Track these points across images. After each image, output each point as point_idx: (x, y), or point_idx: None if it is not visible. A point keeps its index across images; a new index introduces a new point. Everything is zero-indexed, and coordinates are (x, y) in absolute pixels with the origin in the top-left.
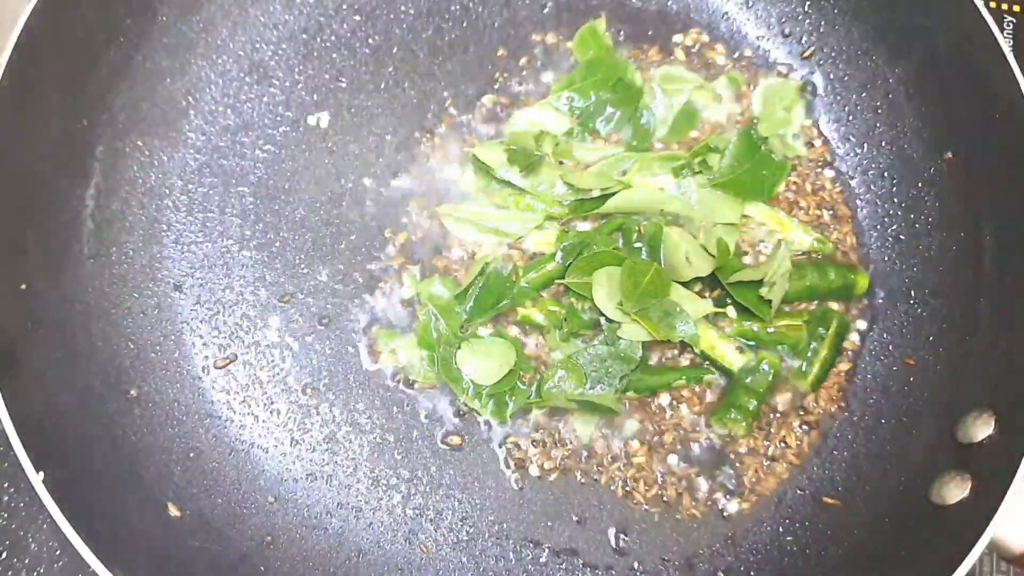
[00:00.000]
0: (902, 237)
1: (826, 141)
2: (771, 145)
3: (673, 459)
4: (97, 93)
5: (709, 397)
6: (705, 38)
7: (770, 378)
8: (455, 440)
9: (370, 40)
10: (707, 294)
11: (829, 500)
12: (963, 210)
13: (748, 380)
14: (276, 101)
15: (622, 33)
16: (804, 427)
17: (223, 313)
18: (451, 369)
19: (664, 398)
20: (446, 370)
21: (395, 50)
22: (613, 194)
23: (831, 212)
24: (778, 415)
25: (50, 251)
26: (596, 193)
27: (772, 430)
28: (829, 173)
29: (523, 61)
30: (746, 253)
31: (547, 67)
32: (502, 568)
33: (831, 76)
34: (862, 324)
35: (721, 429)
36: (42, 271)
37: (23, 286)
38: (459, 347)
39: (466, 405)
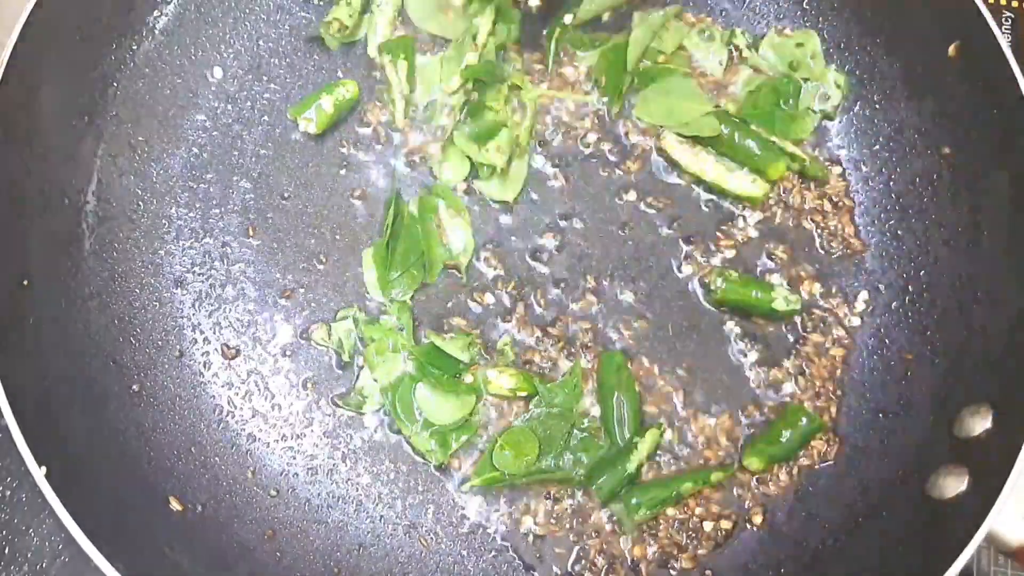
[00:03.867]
0: (899, 232)
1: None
2: (803, 99)
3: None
4: (98, 90)
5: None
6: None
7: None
8: None
9: None
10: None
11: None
12: (961, 206)
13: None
14: (276, 98)
15: None
16: (823, 463)
17: (224, 309)
18: (408, 405)
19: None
20: (403, 405)
21: None
22: None
23: (832, 202)
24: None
25: (52, 247)
26: None
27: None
28: (836, 169)
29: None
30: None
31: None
32: (501, 561)
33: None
34: (859, 320)
35: (752, 462)
36: (44, 267)
37: (25, 282)
38: (419, 381)
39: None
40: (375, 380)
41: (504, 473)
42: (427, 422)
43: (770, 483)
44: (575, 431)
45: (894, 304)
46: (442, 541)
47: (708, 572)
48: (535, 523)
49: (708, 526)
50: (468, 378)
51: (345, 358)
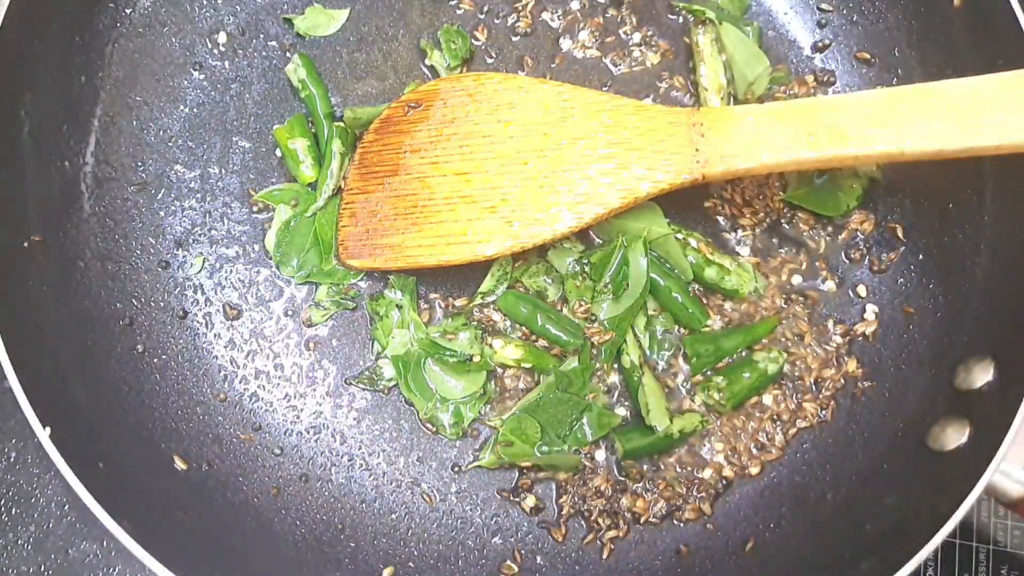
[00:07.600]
0: (902, 186)
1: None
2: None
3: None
4: (95, 50)
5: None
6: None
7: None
8: None
9: None
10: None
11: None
12: (965, 161)
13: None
14: (274, 56)
15: None
16: (823, 411)
17: (226, 269)
18: (421, 382)
19: None
20: (416, 382)
21: None
22: None
23: None
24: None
25: (51, 209)
26: None
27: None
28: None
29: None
30: None
31: None
32: (504, 517)
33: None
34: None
35: (702, 396)
36: (44, 229)
37: (25, 244)
38: (429, 357)
39: (425, 417)
40: (386, 356)
41: (508, 459)
42: (441, 397)
43: (768, 446)
44: (584, 415)
45: (894, 258)
46: (445, 497)
47: (709, 526)
48: (537, 482)
49: (707, 474)
50: (476, 358)
51: (351, 302)
